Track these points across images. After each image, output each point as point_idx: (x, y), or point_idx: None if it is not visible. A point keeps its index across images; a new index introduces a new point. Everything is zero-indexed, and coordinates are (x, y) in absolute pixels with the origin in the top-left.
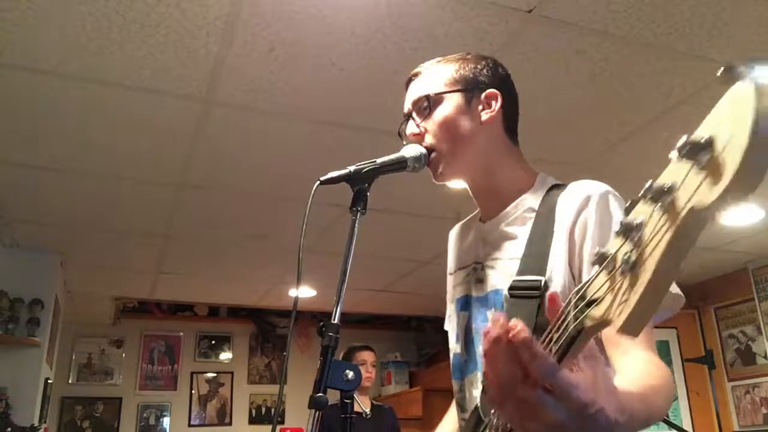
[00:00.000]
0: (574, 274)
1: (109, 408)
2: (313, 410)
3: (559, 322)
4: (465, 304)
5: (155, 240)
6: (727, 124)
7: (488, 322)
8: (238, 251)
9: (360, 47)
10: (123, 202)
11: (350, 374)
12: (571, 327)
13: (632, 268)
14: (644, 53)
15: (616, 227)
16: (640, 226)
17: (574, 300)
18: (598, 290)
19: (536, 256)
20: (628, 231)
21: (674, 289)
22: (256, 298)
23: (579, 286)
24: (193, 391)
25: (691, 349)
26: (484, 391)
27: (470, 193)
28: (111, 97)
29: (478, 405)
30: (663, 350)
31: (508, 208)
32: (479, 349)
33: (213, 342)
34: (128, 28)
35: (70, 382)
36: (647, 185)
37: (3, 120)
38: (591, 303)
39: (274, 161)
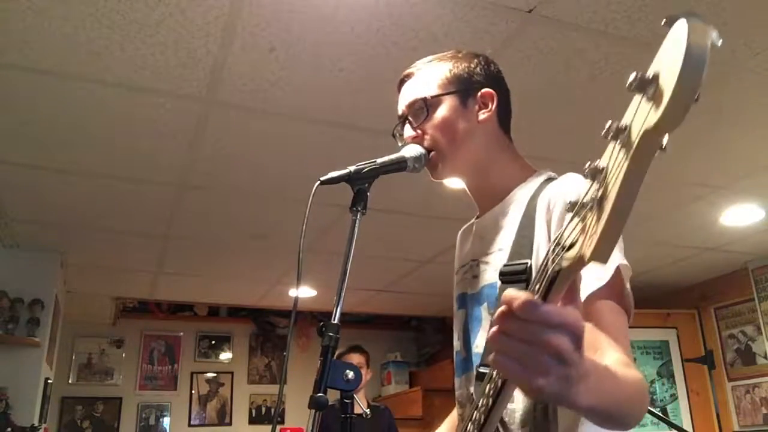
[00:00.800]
0: None
1: (109, 408)
2: (313, 410)
3: (540, 271)
4: (462, 302)
5: (155, 240)
6: (667, 57)
7: (481, 320)
8: (238, 251)
9: (360, 47)
10: (123, 202)
11: (350, 374)
12: (550, 270)
13: (599, 203)
14: (644, 53)
15: (584, 172)
16: (604, 169)
17: (552, 247)
18: (571, 234)
19: (523, 242)
20: (594, 174)
21: (622, 260)
22: (256, 298)
23: (555, 235)
24: (193, 391)
25: (691, 349)
26: (478, 379)
27: (467, 191)
28: (111, 97)
29: (472, 393)
30: (663, 350)
31: (500, 204)
32: (474, 345)
33: (213, 342)
34: (128, 28)
35: (70, 382)
36: (607, 126)
37: (3, 120)
38: (567, 248)
39: (274, 161)
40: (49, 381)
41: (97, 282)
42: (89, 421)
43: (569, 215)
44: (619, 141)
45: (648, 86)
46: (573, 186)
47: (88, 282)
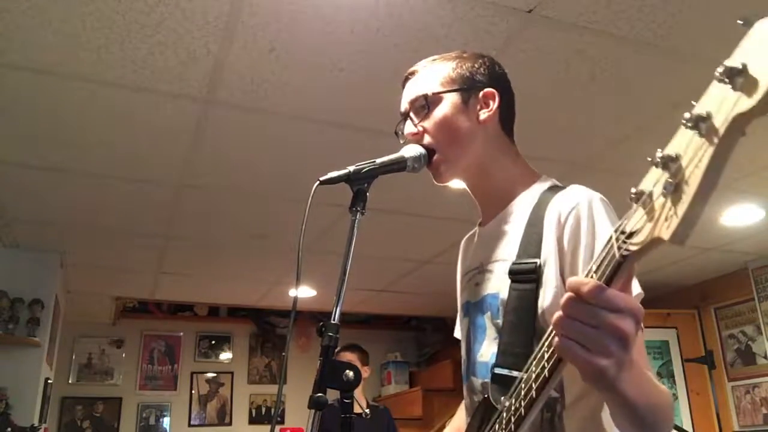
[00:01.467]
0: (564, 276)
1: (109, 408)
2: (313, 410)
3: (602, 259)
4: (466, 311)
5: (155, 240)
6: (758, 49)
7: (485, 329)
8: (238, 251)
9: (360, 47)
10: (123, 202)
11: (350, 374)
12: (617, 256)
13: (675, 189)
14: (644, 53)
15: (655, 162)
16: (677, 157)
17: (615, 236)
18: (637, 223)
19: (529, 242)
20: (666, 163)
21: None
22: (256, 298)
23: (618, 224)
24: (193, 391)
25: (691, 349)
26: (494, 381)
27: (470, 194)
28: (111, 97)
29: (489, 395)
30: (663, 350)
31: (504, 211)
32: (478, 354)
33: (213, 342)
34: (128, 28)
35: (70, 382)
36: (686, 116)
37: (3, 120)
38: (631, 235)
39: (275, 161)
40: (49, 381)
41: (97, 282)
42: (89, 421)
43: (633, 204)
44: (698, 129)
45: (736, 76)
46: (584, 198)
47: (88, 282)
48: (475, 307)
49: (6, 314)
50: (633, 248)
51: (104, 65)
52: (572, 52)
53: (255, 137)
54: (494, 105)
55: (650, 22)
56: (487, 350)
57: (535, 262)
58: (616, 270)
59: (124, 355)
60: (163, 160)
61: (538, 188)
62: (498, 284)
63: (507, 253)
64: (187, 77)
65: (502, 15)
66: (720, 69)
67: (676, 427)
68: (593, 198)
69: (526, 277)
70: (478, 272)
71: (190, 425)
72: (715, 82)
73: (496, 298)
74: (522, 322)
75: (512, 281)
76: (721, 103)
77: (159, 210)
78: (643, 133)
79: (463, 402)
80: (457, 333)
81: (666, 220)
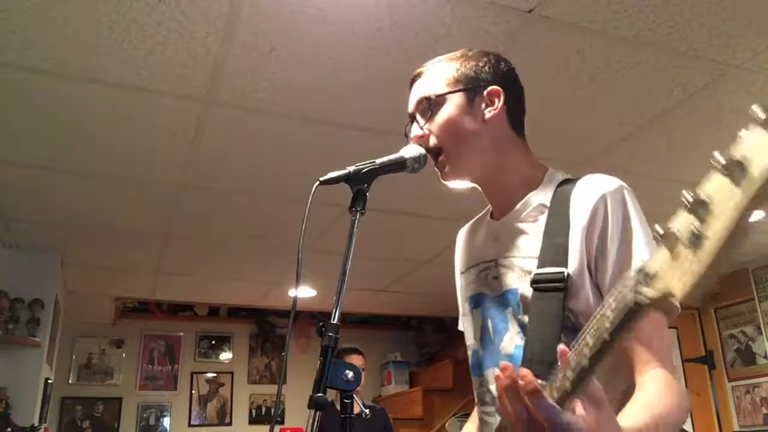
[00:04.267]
0: (592, 274)
1: (109, 408)
2: (313, 410)
3: (614, 298)
4: (478, 302)
5: (155, 240)
6: None
7: (507, 322)
8: (238, 251)
9: (360, 47)
10: (123, 202)
11: (350, 374)
12: (628, 301)
13: (698, 240)
14: (644, 53)
15: (685, 201)
16: (707, 203)
17: (634, 275)
18: (656, 264)
19: (555, 249)
20: (695, 206)
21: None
22: (257, 298)
23: (640, 264)
24: (193, 391)
25: (691, 349)
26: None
27: (480, 191)
28: (111, 97)
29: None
30: None
31: (519, 206)
32: (500, 348)
33: (213, 342)
34: (128, 28)
35: (70, 382)
36: (718, 157)
37: (3, 120)
38: (650, 278)
39: (274, 161)
40: (49, 381)
41: (97, 282)
42: (89, 421)
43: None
44: (730, 175)
45: None
46: (613, 188)
47: (88, 282)
48: (495, 300)
49: (6, 314)
50: (649, 295)
51: (104, 65)
52: (572, 52)
53: (255, 137)
54: (499, 103)
55: (650, 22)
56: (510, 343)
57: (563, 272)
58: (626, 318)
59: (124, 355)
60: (163, 160)
61: (551, 182)
62: (517, 281)
63: (526, 251)
64: (187, 77)
65: (502, 15)
66: (758, 109)
67: None
68: (620, 185)
69: (553, 285)
70: (494, 266)
71: (190, 425)
72: (755, 125)
73: (515, 294)
74: (549, 332)
75: (535, 289)
76: (760, 147)
77: (159, 210)
78: (642, 133)
79: (475, 411)
80: (462, 325)
81: (683, 274)
